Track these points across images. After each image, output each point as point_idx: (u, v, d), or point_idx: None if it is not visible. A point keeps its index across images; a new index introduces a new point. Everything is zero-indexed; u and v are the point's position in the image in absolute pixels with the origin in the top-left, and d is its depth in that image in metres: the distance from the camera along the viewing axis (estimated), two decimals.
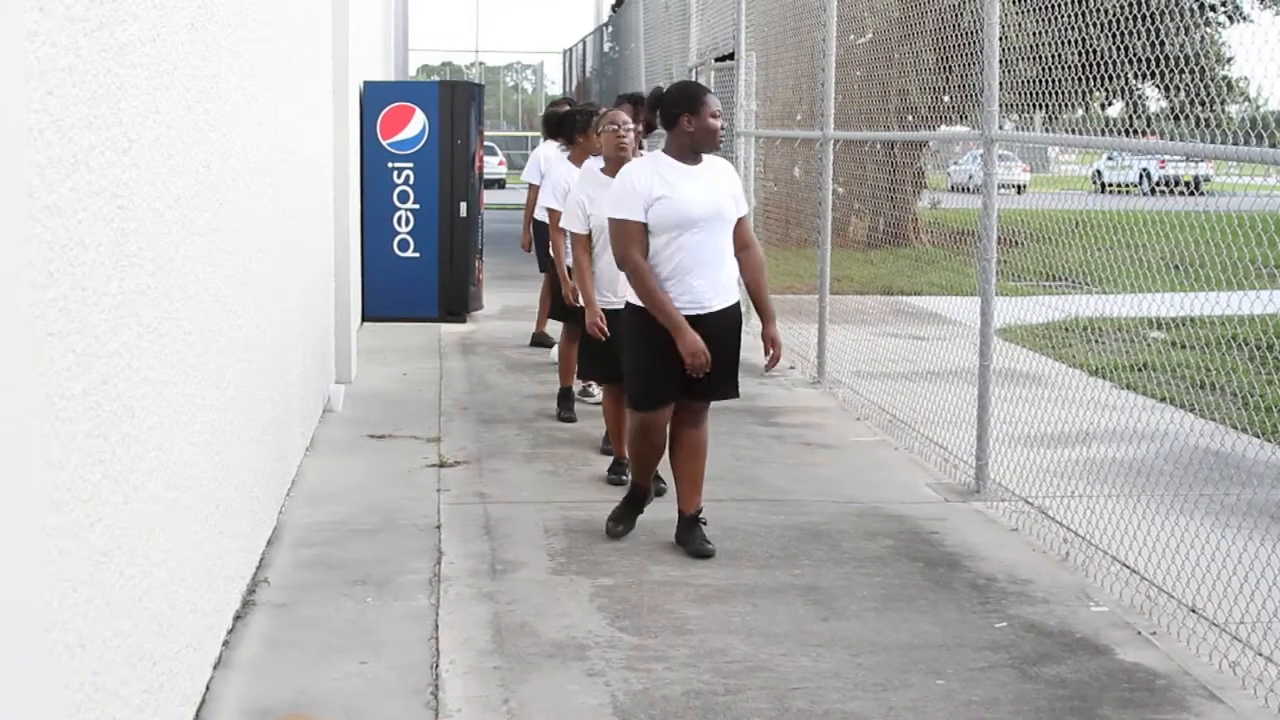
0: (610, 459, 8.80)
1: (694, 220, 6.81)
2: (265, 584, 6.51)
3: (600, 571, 6.81)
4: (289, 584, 6.55)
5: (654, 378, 6.96)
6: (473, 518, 7.66)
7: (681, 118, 6.90)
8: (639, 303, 6.87)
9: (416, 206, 14.98)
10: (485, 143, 16.76)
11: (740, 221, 7.06)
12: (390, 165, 14.88)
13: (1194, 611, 6.14)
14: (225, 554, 5.73)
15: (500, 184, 49.08)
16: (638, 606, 6.34)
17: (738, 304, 7.12)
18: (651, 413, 7.03)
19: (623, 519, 7.44)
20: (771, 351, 7.06)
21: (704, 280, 6.87)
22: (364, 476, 8.51)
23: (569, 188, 9.17)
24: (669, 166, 6.92)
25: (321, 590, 6.49)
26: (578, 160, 9.69)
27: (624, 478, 8.39)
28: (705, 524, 7.18)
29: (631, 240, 6.85)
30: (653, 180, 6.86)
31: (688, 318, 6.80)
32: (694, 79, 17.04)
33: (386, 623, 6.10)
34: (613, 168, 8.12)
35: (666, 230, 6.82)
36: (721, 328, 6.96)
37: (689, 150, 6.97)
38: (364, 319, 14.29)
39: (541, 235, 11.76)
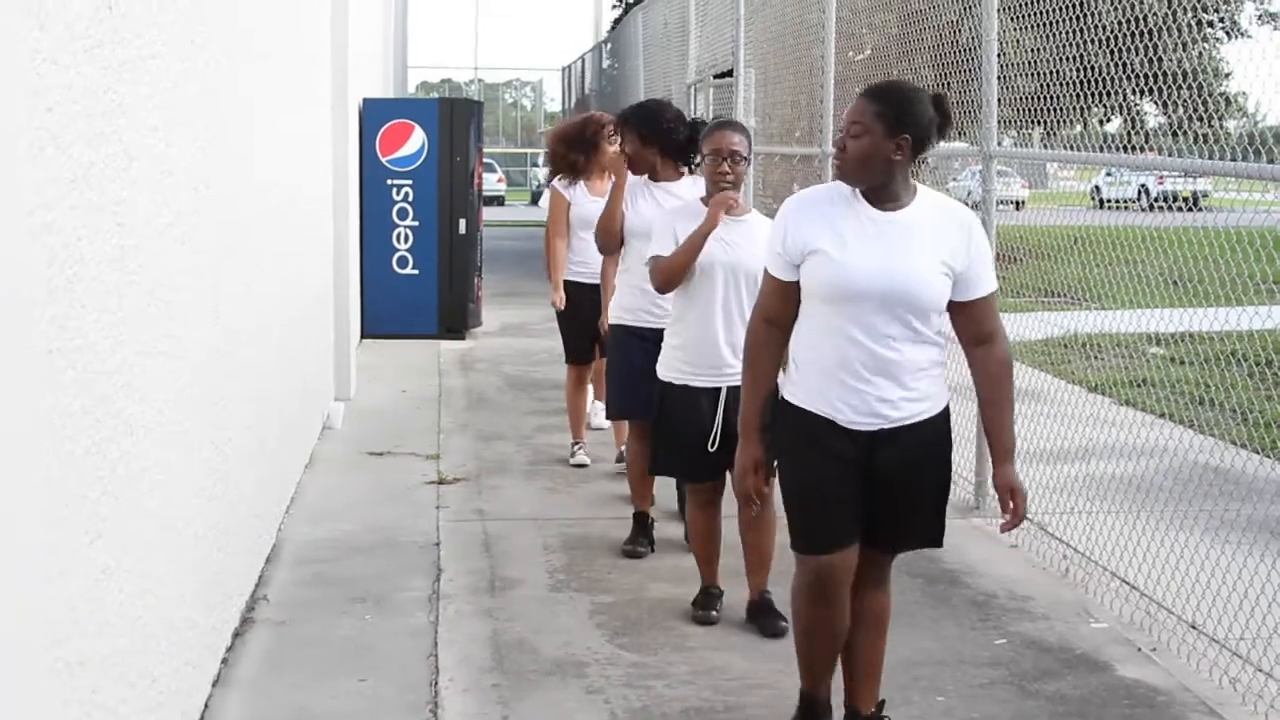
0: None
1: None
2: (264, 601, 6.50)
3: (599, 589, 6.80)
4: (288, 601, 6.54)
5: (822, 509, 4.73)
6: (472, 535, 7.66)
7: None
8: (794, 399, 4.74)
9: (416, 223, 14.98)
10: (484, 160, 16.76)
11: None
12: (389, 182, 14.88)
13: (1194, 628, 6.13)
14: (224, 571, 5.72)
15: (499, 201, 49.11)
16: (637, 624, 6.33)
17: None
18: (825, 556, 4.74)
19: None
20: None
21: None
22: (363, 493, 8.50)
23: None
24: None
25: (321, 607, 6.48)
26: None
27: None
28: None
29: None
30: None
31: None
32: (692, 96, 17.07)
33: (386, 640, 6.09)
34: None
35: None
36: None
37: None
38: (363, 336, 14.29)
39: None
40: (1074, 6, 7.23)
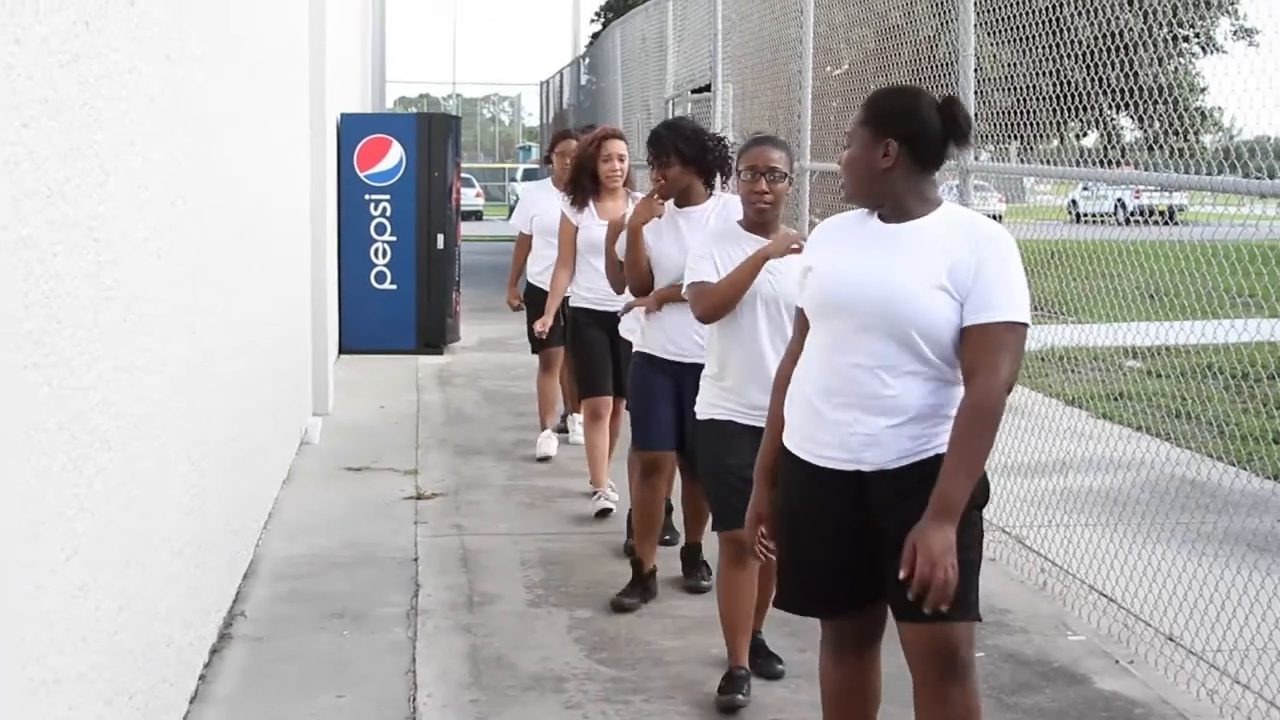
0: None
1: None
2: (242, 617, 6.49)
3: (577, 604, 6.80)
4: (266, 617, 6.52)
5: (814, 567, 4.26)
6: (450, 550, 7.64)
7: None
8: (785, 439, 4.27)
9: (393, 238, 14.96)
10: (462, 175, 16.75)
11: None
12: (367, 197, 14.86)
13: (1171, 640, 6.14)
14: (202, 587, 5.71)
15: (477, 216, 49.07)
16: (615, 638, 6.33)
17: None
18: (826, 621, 4.40)
19: None
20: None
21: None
22: (341, 509, 8.49)
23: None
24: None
25: (299, 623, 6.46)
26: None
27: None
28: None
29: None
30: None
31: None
32: (670, 111, 17.08)
33: (364, 656, 6.08)
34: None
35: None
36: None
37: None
38: (341, 351, 14.27)
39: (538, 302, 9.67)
40: (1050, 22, 7.26)
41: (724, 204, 6.58)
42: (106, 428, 4.12)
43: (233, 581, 6.70)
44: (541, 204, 9.92)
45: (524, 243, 10.35)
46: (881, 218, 4.11)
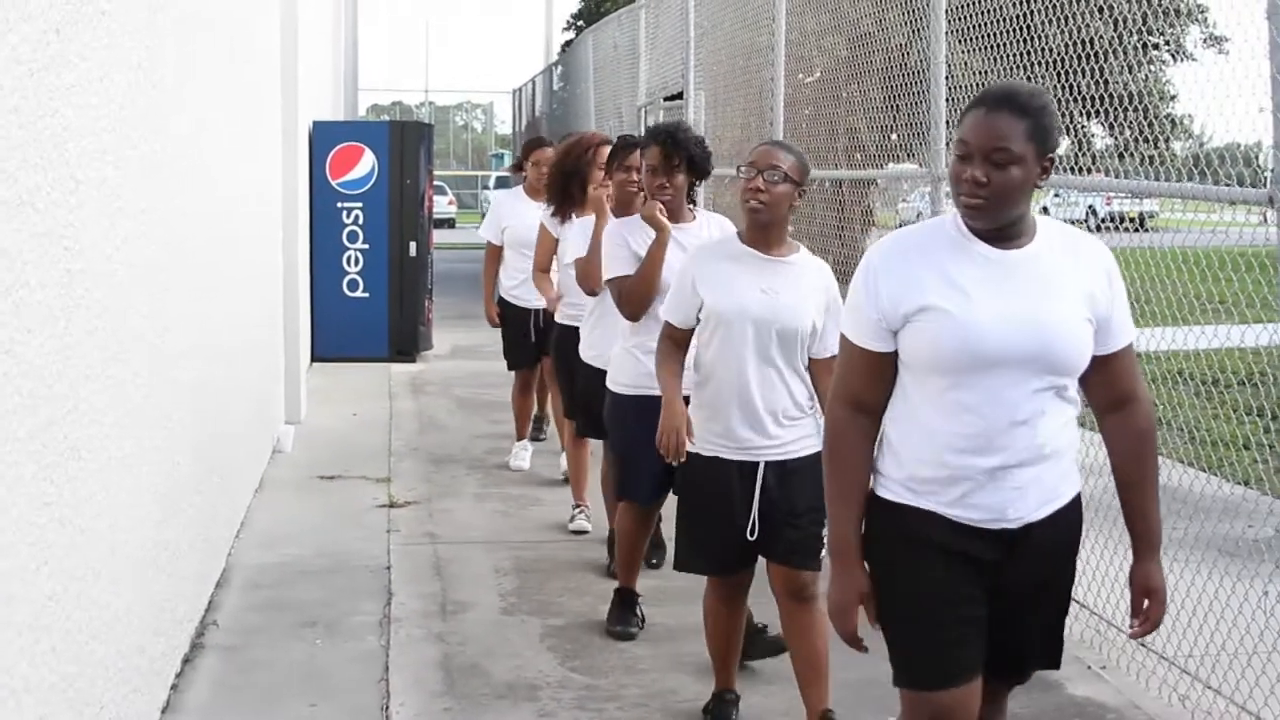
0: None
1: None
2: (214, 626, 6.47)
3: (551, 612, 6.79)
4: (238, 626, 6.51)
5: (941, 630, 3.71)
6: (423, 558, 7.63)
7: None
8: (893, 494, 3.71)
9: (366, 246, 14.94)
10: (435, 182, 16.74)
11: None
12: (339, 205, 14.84)
13: (1144, 645, 6.16)
14: (174, 596, 5.69)
15: (450, 223, 49.05)
16: (589, 646, 6.33)
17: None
18: (944, 692, 3.73)
19: None
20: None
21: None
22: (314, 518, 8.47)
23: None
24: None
25: (271, 632, 6.45)
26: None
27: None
28: None
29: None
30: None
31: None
32: (643, 118, 17.09)
33: (336, 665, 6.07)
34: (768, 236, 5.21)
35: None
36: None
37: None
38: (313, 359, 14.24)
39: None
40: (1022, 30, 7.28)
41: (719, 224, 6.30)
42: (77, 436, 4.11)
43: (205, 590, 6.68)
44: (515, 214, 9.55)
45: (493, 254, 9.82)
46: (987, 239, 3.56)
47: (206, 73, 6.78)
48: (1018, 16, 7.24)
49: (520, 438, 10.09)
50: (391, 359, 14.97)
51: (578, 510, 8.27)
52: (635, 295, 6.24)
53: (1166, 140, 7.26)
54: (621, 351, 6.42)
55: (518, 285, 9.52)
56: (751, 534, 5.14)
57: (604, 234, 6.50)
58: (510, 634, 6.48)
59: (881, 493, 3.71)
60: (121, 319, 4.71)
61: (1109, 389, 3.68)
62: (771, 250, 5.16)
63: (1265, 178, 5.04)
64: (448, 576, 7.32)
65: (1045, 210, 19.52)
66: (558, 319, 8.11)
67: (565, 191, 7.97)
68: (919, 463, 3.62)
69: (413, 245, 15.11)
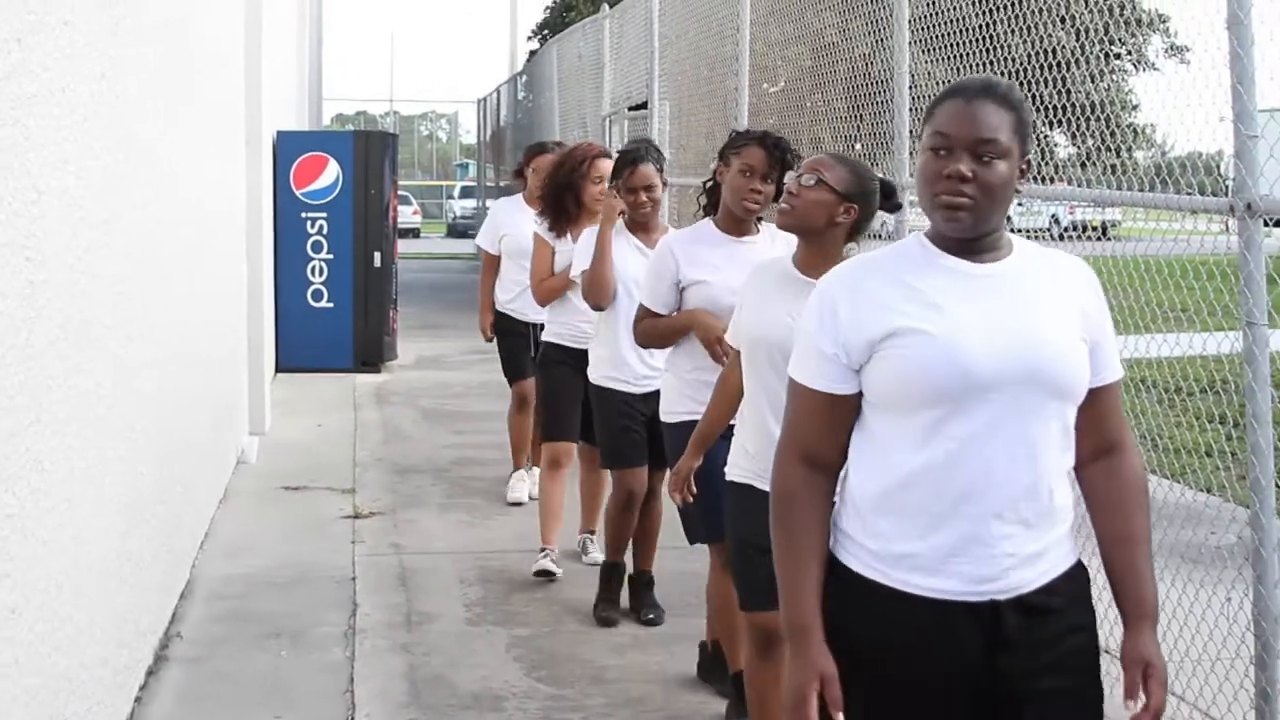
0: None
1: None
2: (178, 638, 6.44)
3: (516, 622, 6.78)
4: (202, 638, 6.48)
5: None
6: (388, 569, 7.62)
7: None
8: (861, 566, 3.06)
9: (330, 256, 14.91)
10: (399, 192, 16.72)
11: None
12: (304, 215, 14.81)
13: (1106, 652, 6.16)
14: (137, 608, 5.67)
15: (414, 233, 48.95)
16: (554, 656, 6.32)
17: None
18: None
19: None
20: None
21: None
22: (278, 528, 8.44)
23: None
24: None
25: (235, 644, 6.43)
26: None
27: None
28: None
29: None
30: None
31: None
32: (607, 128, 17.10)
33: (301, 676, 6.05)
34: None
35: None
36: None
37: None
38: (278, 370, 14.20)
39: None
40: (985, 40, 7.30)
41: (784, 240, 5.65)
42: (40, 448, 4.09)
43: (169, 602, 6.65)
44: (513, 223, 9.00)
45: (490, 264, 9.31)
46: (959, 254, 3.05)
47: (170, 83, 6.76)
48: (981, 26, 7.27)
49: (517, 466, 9.33)
50: (356, 369, 14.92)
51: (588, 537, 7.75)
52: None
53: (1129, 149, 7.28)
54: (678, 381, 5.72)
55: (514, 299, 9.02)
56: None
57: (655, 255, 5.79)
58: (476, 644, 6.47)
59: (845, 558, 3.06)
60: (84, 330, 4.69)
61: (1096, 431, 3.13)
62: (815, 271, 4.34)
63: (1226, 187, 5.06)
64: (413, 587, 7.30)
65: (1008, 218, 19.60)
66: (545, 336, 7.68)
67: (559, 205, 7.50)
68: (892, 520, 3.00)
69: (377, 255, 15.08)
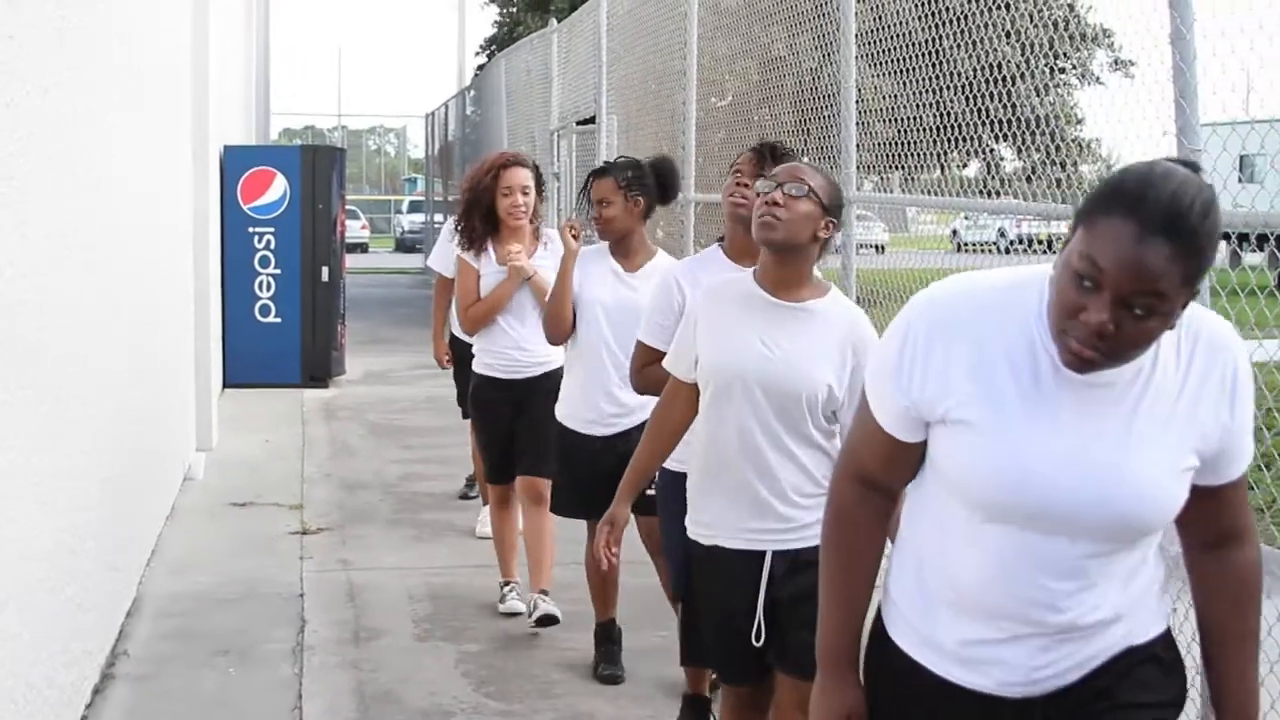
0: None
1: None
2: (125, 656, 6.40)
3: (465, 637, 6.77)
4: (150, 656, 6.44)
5: None
6: (336, 585, 7.59)
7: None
8: (897, 635, 2.82)
9: (278, 271, 14.86)
10: (347, 207, 16.68)
11: None
12: (251, 230, 14.75)
13: None
14: (83, 627, 5.63)
15: (363, 248, 48.83)
16: (503, 672, 6.31)
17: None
18: None
19: None
20: None
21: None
22: (226, 545, 8.40)
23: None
24: None
25: (183, 661, 6.39)
26: None
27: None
28: None
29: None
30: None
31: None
32: (555, 143, 17.11)
33: (249, 693, 6.02)
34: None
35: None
36: None
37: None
38: (225, 385, 14.14)
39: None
40: (931, 54, 7.34)
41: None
42: None
43: (115, 620, 6.61)
44: None
45: (443, 287, 8.71)
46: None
47: (116, 97, 6.73)
48: (927, 41, 7.30)
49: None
50: (304, 385, 14.87)
51: (508, 588, 7.22)
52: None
53: (1075, 163, 7.33)
54: None
55: None
56: (758, 639, 4.18)
57: (658, 288, 5.16)
58: (424, 660, 6.45)
59: (889, 625, 2.81)
60: (28, 346, 4.66)
61: (1208, 524, 2.73)
62: (787, 292, 4.12)
63: None
64: (361, 603, 7.28)
65: (955, 232, 19.64)
66: (476, 368, 7.12)
67: (469, 223, 6.94)
68: (927, 602, 2.73)
69: (325, 270, 15.05)
